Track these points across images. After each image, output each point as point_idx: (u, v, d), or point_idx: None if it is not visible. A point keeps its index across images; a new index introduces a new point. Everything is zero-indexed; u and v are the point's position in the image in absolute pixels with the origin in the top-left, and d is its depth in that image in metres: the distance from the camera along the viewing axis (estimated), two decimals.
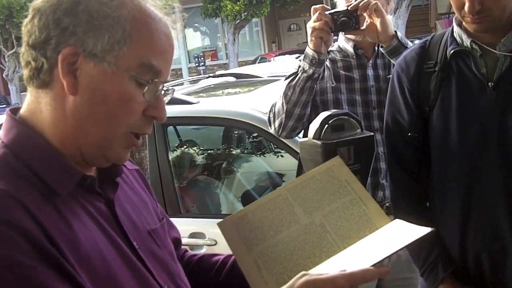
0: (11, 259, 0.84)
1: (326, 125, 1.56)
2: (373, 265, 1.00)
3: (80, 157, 1.01)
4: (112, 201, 1.07)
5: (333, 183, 1.25)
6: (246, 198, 3.31)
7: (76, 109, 0.97)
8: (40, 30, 0.96)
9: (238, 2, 18.69)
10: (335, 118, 1.58)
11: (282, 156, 3.43)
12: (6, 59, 22.45)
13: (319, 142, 1.53)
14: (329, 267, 1.08)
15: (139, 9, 0.99)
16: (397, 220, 1.19)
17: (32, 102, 1.01)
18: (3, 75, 23.40)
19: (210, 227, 2.93)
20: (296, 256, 1.17)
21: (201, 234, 2.91)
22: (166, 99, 1.06)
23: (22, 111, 1.03)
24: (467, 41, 1.67)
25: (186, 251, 1.41)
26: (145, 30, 0.98)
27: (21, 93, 22.65)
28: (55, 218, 0.92)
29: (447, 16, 18.37)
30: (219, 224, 1.23)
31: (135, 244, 1.06)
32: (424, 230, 1.08)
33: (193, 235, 2.92)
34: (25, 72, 1.00)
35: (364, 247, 1.13)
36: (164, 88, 1.03)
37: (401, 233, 1.12)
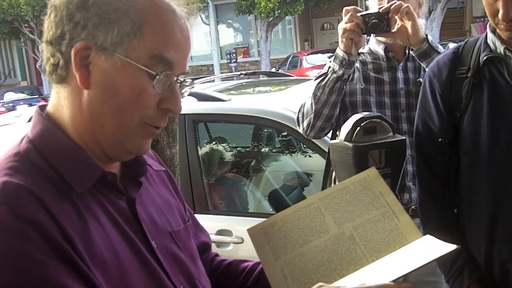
0: (23, 252, 0.86)
1: (358, 128, 1.56)
2: (393, 280, 0.99)
3: (101, 152, 1.02)
4: (134, 200, 1.07)
5: (366, 194, 1.22)
6: (274, 198, 3.33)
7: (90, 103, 0.98)
8: (56, 26, 0.98)
9: (272, 0, 18.68)
10: (367, 121, 1.58)
11: (310, 156, 3.43)
12: (40, 50, 22.86)
13: (350, 145, 1.53)
14: (350, 280, 1.07)
15: (151, 0, 0.99)
16: (427, 235, 1.17)
17: (54, 97, 1.03)
18: (37, 66, 23.82)
19: (237, 225, 2.95)
20: (323, 268, 1.15)
21: (228, 231, 2.94)
22: (185, 92, 1.05)
23: (48, 107, 1.05)
24: (500, 48, 1.65)
25: (217, 255, 1.40)
26: (156, 22, 0.97)
27: None
28: (72, 215, 0.94)
29: (482, 19, 18.04)
30: (248, 231, 1.23)
31: (153, 244, 1.06)
32: (450, 247, 1.07)
33: (220, 232, 2.95)
34: (47, 68, 1.02)
35: (390, 262, 1.12)
36: (181, 80, 1.02)
37: (427, 249, 1.10)
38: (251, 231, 1.23)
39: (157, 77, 0.97)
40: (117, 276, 0.96)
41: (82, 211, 0.96)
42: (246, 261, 1.36)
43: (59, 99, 1.02)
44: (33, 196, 0.90)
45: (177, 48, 1.00)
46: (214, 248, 1.44)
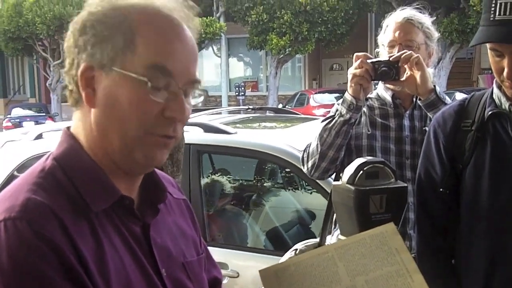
0: (36, 268, 0.88)
1: (361, 171, 1.57)
2: None
3: (116, 167, 1.03)
4: (149, 226, 1.08)
5: (382, 249, 1.20)
6: (272, 234, 3.33)
7: (97, 120, 1.01)
8: (68, 55, 1.03)
9: (284, 37, 18.92)
10: (370, 165, 1.59)
11: (311, 193, 3.45)
12: (52, 69, 23.09)
13: (352, 188, 1.54)
14: None
15: (142, 12, 1.01)
16: None
17: (74, 119, 1.07)
18: (46, 84, 24.04)
19: (234, 259, 2.95)
20: None
21: (224, 264, 2.93)
22: (194, 100, 1.07)
23: (71, 128, 1.08)
24: (505, 104, 1.69)
25: None
26: (148, 33, 0.99)
27: (62, 103, 23.20)
28: (88, 235, 0.96)
29: (490, 71, 18.16)
30: (260, 272, 1.21)
31: (163, 272, 1.07)
32: None
33: None
34: (67, 95, 1.06)
35: None
36: (185, 87, 1.02)
37: None
38: (263, 273, 1.21)
39: (151, 84, 0.97)
40: None
41: (98, 232, 0.98)
42: None
43: (77, 121, 1.06)
44: (53, 215, 0.93)
45: (175, 56, 1.00)
46: None
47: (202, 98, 1.08)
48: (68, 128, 1.09)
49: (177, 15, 1.03)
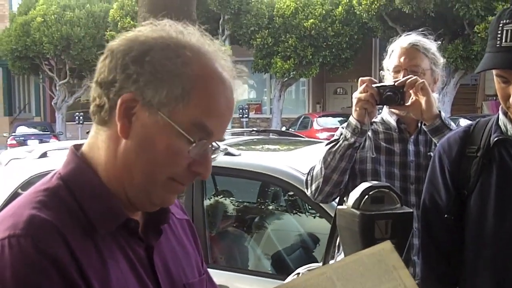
0: (38, 285, 0.89)
1: (366, 196, 1.57)
2: None
3: (125, 198, 1.04)
4: (152, 248, 1.08)
5: (379, 267, 1.21)
6: (274, 257, 3.31)
7: (125, 152, 1.01)
8: (109, 71, 1.01)
9: (288, 61, 19.03)
10: (375, 190, 1.58)
11: (314, 217, 3.43)
12: (57, 88, 23.26)
13: (357, 212, 1.53)
14: None
15: (204, 68, 1.01)
16: None
17: (93, 136, 1.06)
18: (52, 103, 24.18)
19: (235, 281, 2.93)
20: None
21: (225, 287, 2.91)
22: (215, 157, 1.07)
23: (84, 144, 1.08)
24: (511, 130, 1.69)
25: None
26: (205, 91, 1.00)
27: (66, 123, 23.32)
28: (92, 254, 0.96)
29: (494, 98, 18.23)
30: None
31: None
32: None
33: None
34: (91, 106, 1.05)
35: None
36: (214, 147, 1.05)
37: None
38: None
39: (194, 144, 0.99)
40: None
41: (103, 252, 0.98)
42: None
43: (96, 140, 1.05)
44: (57, 232, 0.93)
45: (220, 119, 1.02)
46: None
47: (219, 155, 1.09)
48: (76, 146, 1.09)
49: (230, 74, 1.05)
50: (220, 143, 1.07)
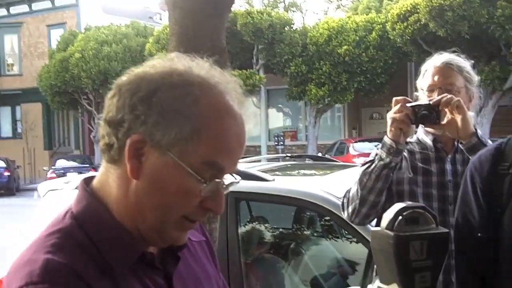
0: None
1: (400, 217, 1.53)
2: None
3: (138, 235, 1.02)
4: (171, 275, 1.07)
5: None
6: (312, 284, 3.25)
7: (136, 193, 0.99)
8: (117, 110, 0.99)
9: (322, 88, 19.05)
10: (410, 211, 1.54)
11: (350, 242, 3.37)
12: (96, 122, 23.78)
13: (391, 233, 1.49)
14: None
15: (214, 106, 0.99)
16: None
17: (103, 174, 1.04)
18: (91, 136, 24.70)
19: None
20: None
21: None
22: (226, 191, 1.04)
23: (95, 180, 1.06)
24: None
25: None
26: (214, 130, 0.98)
27: None
28: None
29: None
30: None
31: None
32: None
33: None
34: (100, 144, 1.03)
35: None
36: (226, 183, 1.02)
37: None
38: None
39: (207, 183, 0.98)
40: None
41: None
42: None
43: (107, 178, 1.03)
44: (75, 275, 0.92)
45: (231, 155, 1.00)
46: None
47: (231, 188, 1.06)
48: (86, 181, 1.07)
49: (241, 105, 1.03)
50: (235, 176, 1.04)
